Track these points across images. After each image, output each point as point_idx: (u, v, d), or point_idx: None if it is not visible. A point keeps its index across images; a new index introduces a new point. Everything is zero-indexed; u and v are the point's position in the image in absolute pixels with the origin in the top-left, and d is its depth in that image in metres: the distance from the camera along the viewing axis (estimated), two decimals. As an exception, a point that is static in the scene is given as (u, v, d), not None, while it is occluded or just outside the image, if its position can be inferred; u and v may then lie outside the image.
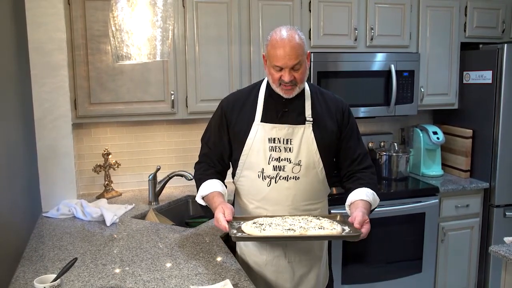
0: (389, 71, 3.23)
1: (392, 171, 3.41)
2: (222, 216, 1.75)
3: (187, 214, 3.05)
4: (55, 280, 1.51)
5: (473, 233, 3.37)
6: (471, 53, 3.46)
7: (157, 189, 2.87)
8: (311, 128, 1.94)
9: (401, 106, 3.30)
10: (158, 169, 2.91)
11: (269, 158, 1.92)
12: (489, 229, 3.36)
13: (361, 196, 1.88)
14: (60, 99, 2.63)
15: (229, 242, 2.10)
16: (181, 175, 2.85)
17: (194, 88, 2.93)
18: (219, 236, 2.22)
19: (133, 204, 2.78)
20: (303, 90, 1.98)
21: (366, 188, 1.92)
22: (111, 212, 2.46)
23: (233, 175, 2.07)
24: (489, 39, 3.50)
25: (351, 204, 1.90)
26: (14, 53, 2.39)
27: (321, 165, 1.94)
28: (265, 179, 1.93)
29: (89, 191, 3.10)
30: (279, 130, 1.93)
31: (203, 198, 1.97)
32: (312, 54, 3.06)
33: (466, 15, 3.43)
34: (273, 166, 1.92)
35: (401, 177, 3.42)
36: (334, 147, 2.00)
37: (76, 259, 1.63)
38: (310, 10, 3.09)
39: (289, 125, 1.93)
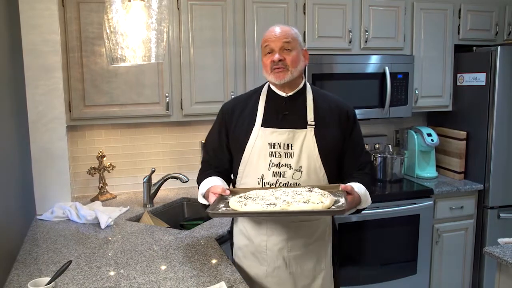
0: (384, 73, 3.24)
1: (387, 173, 3.42)
2: (212, 195, 1.79)
3: (182, 216, 3.05)
4: (49, 283, 1.51)
5: (467, 235, 3.38)
6: (465, 55, 3.48)
7: (152, 191, 2.86)
8: (313, 132, 1.88)
9: (396, 108, 3.31)
10: (153, 172, 2.90)
11: (269, 164, 1.86)
12: (483, 231, 3.37)
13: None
14: (55, 101, 2.62)
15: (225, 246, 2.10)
16: (176, 178, 2.85)
17: (189, 90, 2.92)
18: (214, 238, 2.22)
19: (128, 207, 2.77)
20: (304, 91, 1.95)
21: (358, 183, 1.87)
22: (106, 215, 2.45)
23: (233, 184, 2.02)
24: (482, 42, 3.53)
25: None
26: (8, 55, 2.38)
27: (323, 171, 1.87)
28: (264, 186, 1.86)
29: (83, 193, 3.08)
30: (280, 135, 1.87)
31: (204, 197, 1.92)
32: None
33: (459, 17, 3.45)
34: (273, 172, 1.86)
35: (396, 179, 3.43)
36: (338, 152, 1.93)
37: (70, 262, 1.63)
38: (304, 13, 3.10)
39: (290, 129, 1.88)
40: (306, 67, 3.06)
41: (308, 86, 1.99)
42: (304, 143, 1.86)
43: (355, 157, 1.97)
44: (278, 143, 1.87)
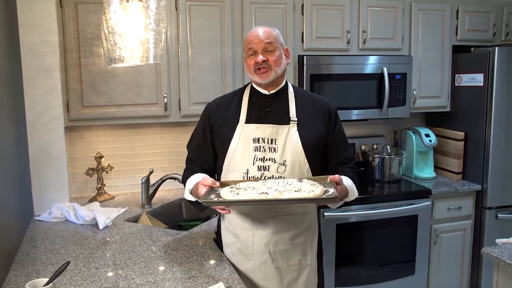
0: (382, 74, 3.24)
1: (385, 173, 3.42)
2: (202, 187, 1.81)
3: (180, 217, 3.04)
4: (47, 284, 1.51)
5: (465, 235, 3.38)
6: (463, 56, 3.49)
7: (150, 192, 2.86)
8: (295, 128, 1.93)
9: (394, 108, 3.32)
10: (151, 172, 2.90)
11: (254, 159, 1.90)
12: (481, 231, 3.38)
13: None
14: (53, 102, 2.62)
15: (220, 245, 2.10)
16: (174, 178, 2.85)
17: (187, 91, 2.92)
18: (212, 239, 2.22)
19: (126, 207, 2.77)
20: (286, 89, 2.01)
21: (345, 177, 1.92)
22: (104, 215, 2.45)
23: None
24: (480, 42, 3.53)
25: None
26: (6, 55, 2.38)
27: (307, 165, 1.92)
28: (249, 180, 1.89)
29: (81, 194, 3.08)
30: (264, 130, 1.92)
31: (191, 193, 1.97)
32: (304, 57, 3.07)
33: (457, 18, 3.46)
34: (258, 166, 1.90)
35: (394, 180, 3.43)
36: (321, 148, 1.99)
37: (68, 262, 1.63)
38: (303, 13, 3.10)
39: (273, 125, 1.93)
40: (304, 68, 3.07)
41: (290, 85, 2.06)
42: (288, 138, 1.92)
43: (340, 152, 2.03)
44: (262, 138, 1.92)
